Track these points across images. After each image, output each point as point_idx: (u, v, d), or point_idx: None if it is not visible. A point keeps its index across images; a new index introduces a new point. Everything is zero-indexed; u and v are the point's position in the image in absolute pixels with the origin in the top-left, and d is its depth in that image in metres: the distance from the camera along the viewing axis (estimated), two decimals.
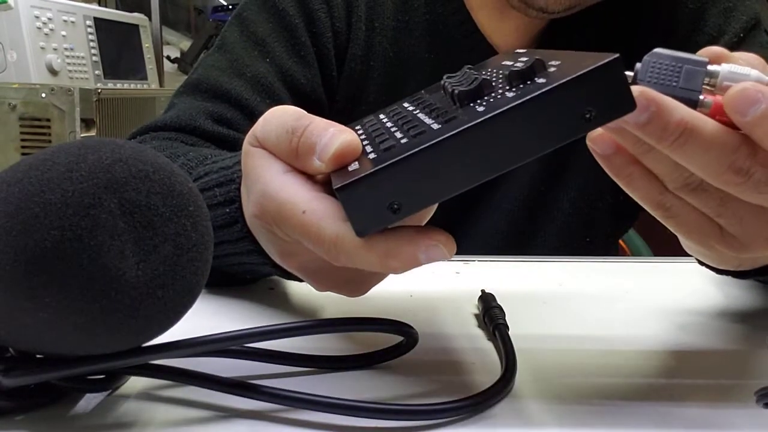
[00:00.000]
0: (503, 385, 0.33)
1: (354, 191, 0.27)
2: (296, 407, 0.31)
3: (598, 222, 0.72)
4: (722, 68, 0.30)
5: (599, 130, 0.31)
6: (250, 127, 0.40)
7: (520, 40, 0.69)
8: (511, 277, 0.55)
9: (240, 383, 0.31)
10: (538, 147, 0.27)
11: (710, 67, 0.30)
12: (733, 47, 0.65)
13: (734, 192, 0.30)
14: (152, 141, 0.60)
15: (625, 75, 0.27)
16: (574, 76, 0.26)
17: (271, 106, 0.64)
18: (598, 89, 0.26)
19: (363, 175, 0.27)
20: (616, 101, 0.27)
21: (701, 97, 0.29)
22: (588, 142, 0.32)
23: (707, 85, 0.30)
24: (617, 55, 0.26)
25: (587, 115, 0.26)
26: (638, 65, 0.30)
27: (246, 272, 0.46)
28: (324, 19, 0.66)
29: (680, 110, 0.28)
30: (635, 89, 0.27)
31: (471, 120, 0.26)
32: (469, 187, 0.27)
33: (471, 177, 0.27)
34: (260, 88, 0.64)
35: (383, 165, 0.27)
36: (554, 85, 0.26)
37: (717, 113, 0.29)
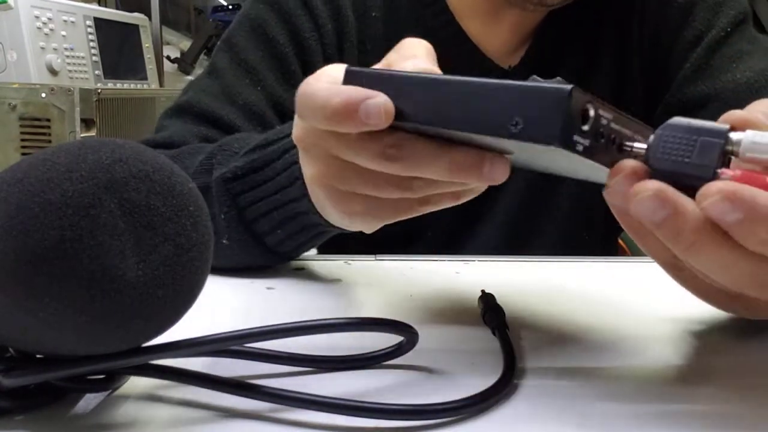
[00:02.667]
0: (503, 385, 0.33)
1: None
2: (296, 407, 0.31)
3: (598, 219, 0.72)
4: (745, 136, 0.28)
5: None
6: None
7: (508, 44, 0.69)
8: (511, 277, 0.55)
9: (240, 383, 0.31)
10: (470, 126, 0.30)
11: (732, 135, 0.28)
12: (720, 41, 0.65)
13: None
14: None
15: (569, 109, 0.27)
16: (522, 84, 0.28)
17: (262, 133, 0.66)
18: (533, 106, 0.28)
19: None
20: (545, 127, 0.27)
21: (719, 171, 0.28)
22: (605, 195, 0.31)
23: (731, 153, 0.28)
24: (570, 87, 0.27)
25: (514, 123, 0.28)
26: (651, 138, 0.29)
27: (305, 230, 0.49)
28: (314, 47, 0.66)
29: (694, 217, 0.27)
30: (654, 184, 0.28)
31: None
32: (418, 123, 0.32)
33: (420, 115, 0.32)
34: (252, 116, 0.64)
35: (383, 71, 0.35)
36: (505, 83, 0.29)
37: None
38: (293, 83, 0.65)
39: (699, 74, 0.65)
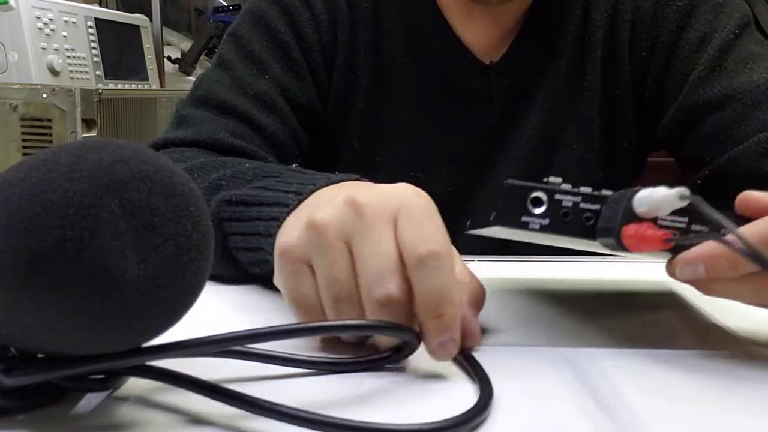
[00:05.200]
0: (475, 413, 0.31)
1: None
2: (283, 421, 0.30)
3: None
4: (637, 194, 0.35)
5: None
6: (259, 140, 0.53)
7: (490, 38, 0.70)
8: (511, 277, 0.55)
9: (239, 396, 0.30)
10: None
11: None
12: (730, 43, 0.66)
13: None
14: (181, 155, 0.62)
15: (507, 197, 0.36)
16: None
17: (276, 120, 0.68)
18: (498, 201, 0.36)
19: None
20: (501, 214, 0.37)
21: (621, 228, 0.35)
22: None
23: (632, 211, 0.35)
24: (507, 183, 0.36)
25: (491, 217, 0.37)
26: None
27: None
28: (312, 35, 0.70)
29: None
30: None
31: None
32: None
33: None
34: (264, 104, 0.68)
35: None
36: None
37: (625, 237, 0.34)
38: (296, 69, 0.70)
39: (713, 76, 0.66)
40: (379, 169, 0.72)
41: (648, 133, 0.72)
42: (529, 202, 0.36)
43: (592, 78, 0.70)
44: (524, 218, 0.36)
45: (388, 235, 0.36)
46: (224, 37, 0.74)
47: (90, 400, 0.32)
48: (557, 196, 0.36)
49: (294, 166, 0.58)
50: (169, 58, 2.65)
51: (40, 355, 0.29)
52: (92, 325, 0.26)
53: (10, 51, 1.70)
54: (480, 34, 0.70)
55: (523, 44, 0.70)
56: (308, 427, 0.29)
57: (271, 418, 0.29)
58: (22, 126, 1.51)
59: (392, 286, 0.34)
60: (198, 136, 0.66)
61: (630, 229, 0.34)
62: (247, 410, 0.30)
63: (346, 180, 0.44)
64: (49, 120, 1.50)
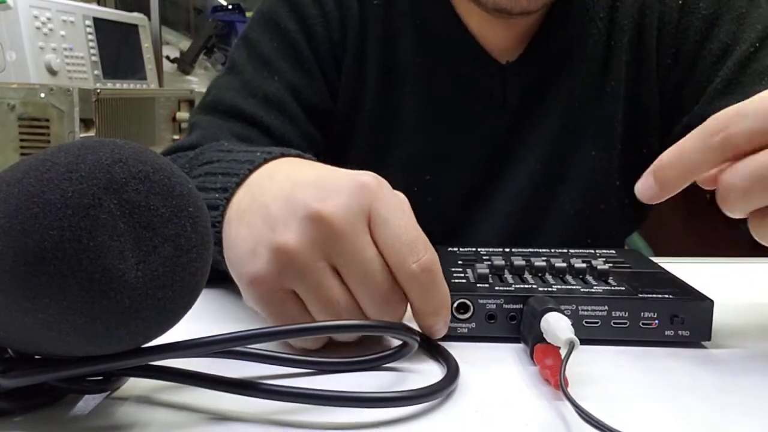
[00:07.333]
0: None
1: None
2: (293, 402, 0.30)
3: (602, 224, 0.72)
4: (543, 319, 0.36)
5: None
6: (268, 142, 0.50)
7: (507, 38, 0.69)
8: None
9: (238, 382, 0.31)
10: None
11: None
12: (750, 57, 0.64)
13: None
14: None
15: None
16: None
17: (285, 122, 0.67)
18: None
19: None
20: None
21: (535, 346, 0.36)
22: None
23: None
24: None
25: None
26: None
27: None
28: (322, 32, 0.70)
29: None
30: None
31: None
32: None
33: None
34: (272, 106, 0.68)
35: None
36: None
37: (535, 357, 0.36)
38: (306, 68, 0.70)
39: (729, 89, 0.65)
40: (387, 170, 0.71)
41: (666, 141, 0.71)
42: (454, 308, 0.39)
43: (616, 83, 0.69)
44: (452, 324, 0.39)
45: (368, 241, 0.36)
46: (236, 40, 0.74)
47: (88, 402, 0.32)
48: (481, 300, 0.39)
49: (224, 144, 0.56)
50: (167, 57, 2.65)
51: (37, 357, 0.29)
52: (90, 327, 0.26)
53: (8, 50, 1.70)
54: (496, 34, 0.69)
55: (541, 46, 0.69)
56: (310, 403, 0.30)
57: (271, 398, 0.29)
58: (19, 126, 1.51)
59: (397, 298, 0.36)
60: (202, 140, 0.65)
61: (538, 353, 0.36)
62: (252, 396, 0.30)
63: (270, 159, 0.43)
64: (47, 120, 1.50)
